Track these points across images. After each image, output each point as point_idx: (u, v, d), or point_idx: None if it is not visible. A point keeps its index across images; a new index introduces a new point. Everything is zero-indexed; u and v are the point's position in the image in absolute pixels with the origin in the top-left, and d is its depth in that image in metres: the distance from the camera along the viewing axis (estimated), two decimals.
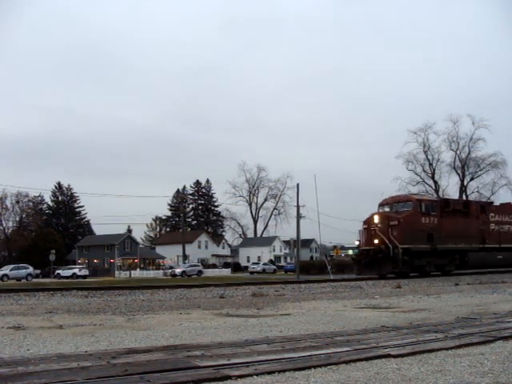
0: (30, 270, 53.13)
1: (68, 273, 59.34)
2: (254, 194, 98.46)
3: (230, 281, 29.18)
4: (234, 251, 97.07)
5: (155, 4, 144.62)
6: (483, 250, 30.54)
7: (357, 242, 29.93)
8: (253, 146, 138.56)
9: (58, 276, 58.14)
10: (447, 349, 5.26)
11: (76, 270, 60.63)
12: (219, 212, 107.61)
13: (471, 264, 29.82)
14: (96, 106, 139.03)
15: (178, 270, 60.12)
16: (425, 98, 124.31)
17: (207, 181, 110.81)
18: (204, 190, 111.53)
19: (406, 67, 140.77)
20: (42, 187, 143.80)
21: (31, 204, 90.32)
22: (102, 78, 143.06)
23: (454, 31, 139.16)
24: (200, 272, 59.85)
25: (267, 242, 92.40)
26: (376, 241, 27.17)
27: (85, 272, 61.02)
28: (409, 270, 27.06)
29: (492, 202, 35.96)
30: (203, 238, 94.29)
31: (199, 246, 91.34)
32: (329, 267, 35.98)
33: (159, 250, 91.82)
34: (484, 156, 67.75)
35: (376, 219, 27.90)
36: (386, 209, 29.16)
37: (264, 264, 66.59)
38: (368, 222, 28.77)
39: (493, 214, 32.14)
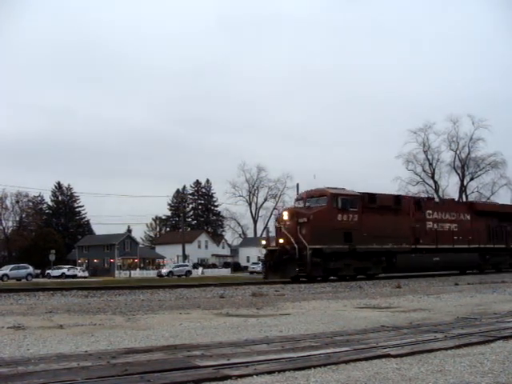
0: (30, 269, 53.42)
1: (57, 273, 60.56)
2: (253, 194, 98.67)
3: (229, 281, 29.15)
4: (234, 251, 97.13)
5: (155, 4, 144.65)
6: (416, 251, 27.34)
7: (263, 242, 26.36)
8: (253, 146, 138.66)
9: (48, 276, 59.05)
10: (447, 349, 5.26)
11: (65, 270, 61.78)
12: (219, 212, 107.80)
13: (400, 267, 26.61)
14: (96, 106, 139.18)
15: (163, 271, 60.12)
16: (425, 98, 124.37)
17: (207, 181, 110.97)
18: (204, 190, 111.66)
19: (406, 67, 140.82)
20: (41, 187, 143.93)
21: (31, 204, 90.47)
22: (102, 78, 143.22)
23: (454, 31, 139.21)
24: (189, 272, 58.67)
25: None
26: (281, 240, 24.01)
27: (73, 272, 61.99)
28: (321, 273, 24.05)
29: (432, 198, 31.97)
30: (203, 237, 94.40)
31: (199, 246, 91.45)
32: None
33: (159, 249, 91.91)
34: (484, 156, 67.97)
35: (285, 216, 24.62)
36: (301, 204, 25.81)
37: None
38: (279, 219, 25.80)
39: (430, 212, 28.72)
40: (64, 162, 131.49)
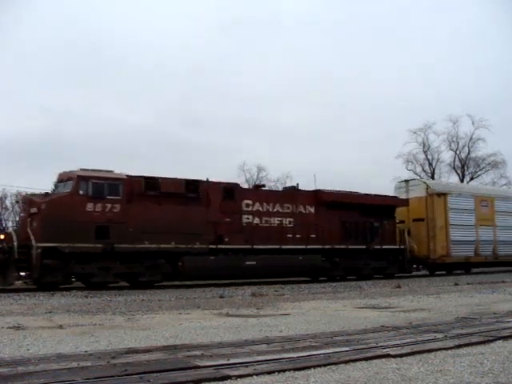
0: None
1: None
2: None
3: (229, 280, 28.79)
4: None
5: (154, 5, 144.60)
6: (217, 252, 21.04)
7: (1, 236, 20.32)
8: (253, 146, 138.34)
9: None
10: (447, 349, 5.26)
11: None
12: None
13: (190, 272, 20.42)
14: (96, 106, 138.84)
15: None
16: (425, 98, 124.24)
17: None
18: None
19: (406, 67, 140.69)
20: (41, 187, 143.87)
21: None
22: (102, 78, 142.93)
23: (453, 31, 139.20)
24: None
25: None
26: (2, 236, 18.89)
27: None
28: (60, 279, 18.52)
29: (262, 186, 24.70)
30: None
31: None
32: None
33: None
34: (484, 156, 67.77)
35: (21, 205, 19.40)
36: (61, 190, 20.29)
37: None
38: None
39: (250, 202, 22.34)
40: (64, 162, 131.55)
